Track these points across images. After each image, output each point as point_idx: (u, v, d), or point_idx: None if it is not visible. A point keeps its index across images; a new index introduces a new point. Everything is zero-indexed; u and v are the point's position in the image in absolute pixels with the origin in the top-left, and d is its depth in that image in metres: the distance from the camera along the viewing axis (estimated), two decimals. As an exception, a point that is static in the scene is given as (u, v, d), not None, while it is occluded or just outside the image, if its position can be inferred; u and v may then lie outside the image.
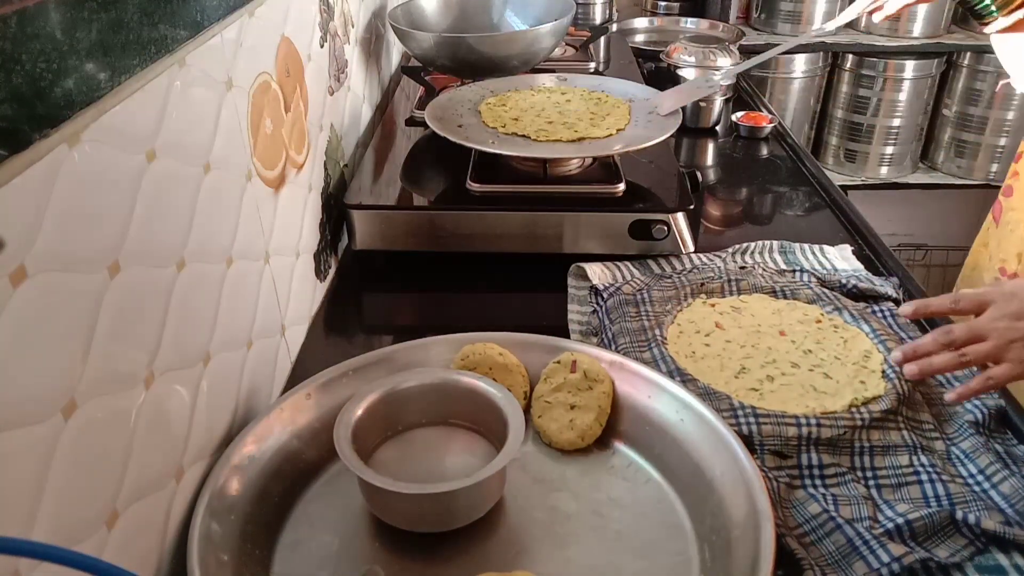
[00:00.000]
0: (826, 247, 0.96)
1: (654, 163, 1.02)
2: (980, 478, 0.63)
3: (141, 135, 0.50)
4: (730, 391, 0.69)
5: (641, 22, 2.03)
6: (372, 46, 1.24)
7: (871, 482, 0.63)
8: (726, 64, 1.38)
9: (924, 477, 0.62)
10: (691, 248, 0.94)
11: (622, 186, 0.95)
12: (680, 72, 1.41)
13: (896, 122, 2.23)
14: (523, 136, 0.97)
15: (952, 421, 0.69)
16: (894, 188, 2.30)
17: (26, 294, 0.39)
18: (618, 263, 0.93)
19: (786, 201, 1.17)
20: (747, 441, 0.62)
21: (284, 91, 0.78)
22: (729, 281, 0.85)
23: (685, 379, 0.70)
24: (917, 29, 2.16)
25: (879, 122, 2.23)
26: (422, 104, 1.17)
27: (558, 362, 0.70)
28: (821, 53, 2.18)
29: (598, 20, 1.95)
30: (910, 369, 0.68)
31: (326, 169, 0.94)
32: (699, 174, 1.03)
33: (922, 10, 2.13)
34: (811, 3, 2.15)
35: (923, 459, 0.64)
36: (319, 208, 0.90)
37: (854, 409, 0.67)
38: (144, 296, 0.51)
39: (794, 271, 0.90)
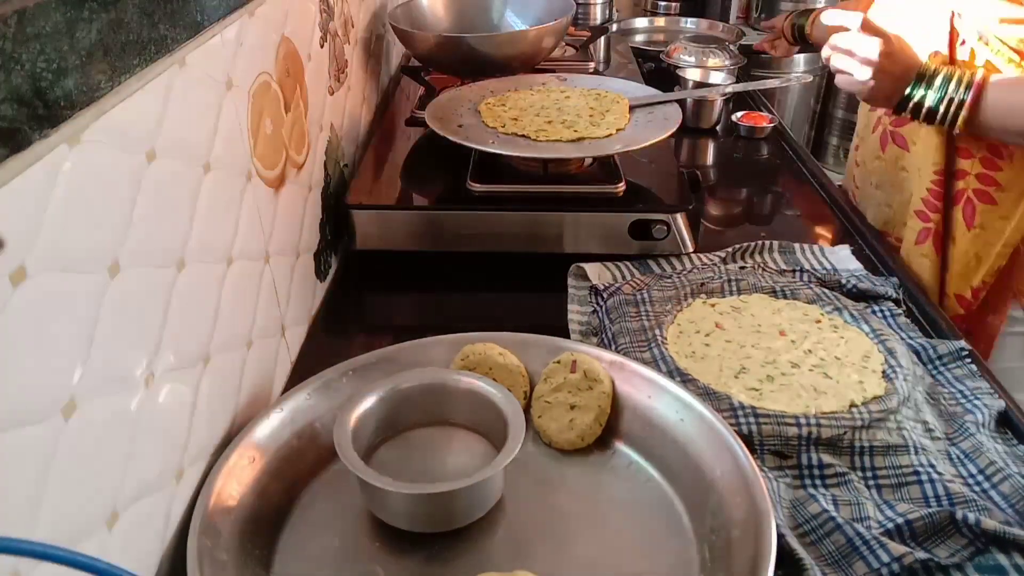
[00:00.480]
0: (826, 247, 0.96)
1: (654, 163, 1.02)
2: (980, 478, 0.63)
3: (141, 135, 0.50)
4: (730, 391, 0.69)
5: (641, 22, 2.03)
6: (372, 46, 1.24)
7: (871, 482, 0.63)
8: (726, 64, 1.38)
9: (924, 477, 0.62)
10: (691, 248, 0.94)
11: (622, 186, 0.95)
12: (680, 72, 1.41)
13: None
14: (523, 136, 0.97)
15: (952, 421, 0.69)
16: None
17: (26, 294, 0.39)
18: (618, 263, 0.93)
19: (786, 201, 1.17)
20: (747, 441, 0.62)
21: (284, 91, 0.78)
22: (729, 281, 0.85)
23: (685, 379, 0.70)
24: (917, 29, 2.16)
25: (879, 122, 2.23)
26: (422, 104, 1.17)
27: (558, 362, 0.70)
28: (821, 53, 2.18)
29: (598, 20, 1.96)
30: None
31: (326, 169, 0.94)
32: (699, 174, 1.03)
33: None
34: (811, 3, 2.15)
35: (923, 459, 0.64)
36: (319, 208, 0.90)
37: (854, 409, 0.67)
38: (144, 296, 0.51)
39: (794, 271, 0.90)
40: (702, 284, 0.85)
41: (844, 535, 0.57)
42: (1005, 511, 0.60)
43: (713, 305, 0.82)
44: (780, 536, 0.55)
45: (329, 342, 0.86)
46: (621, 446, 0.66)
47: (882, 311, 0.83)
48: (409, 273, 0.97)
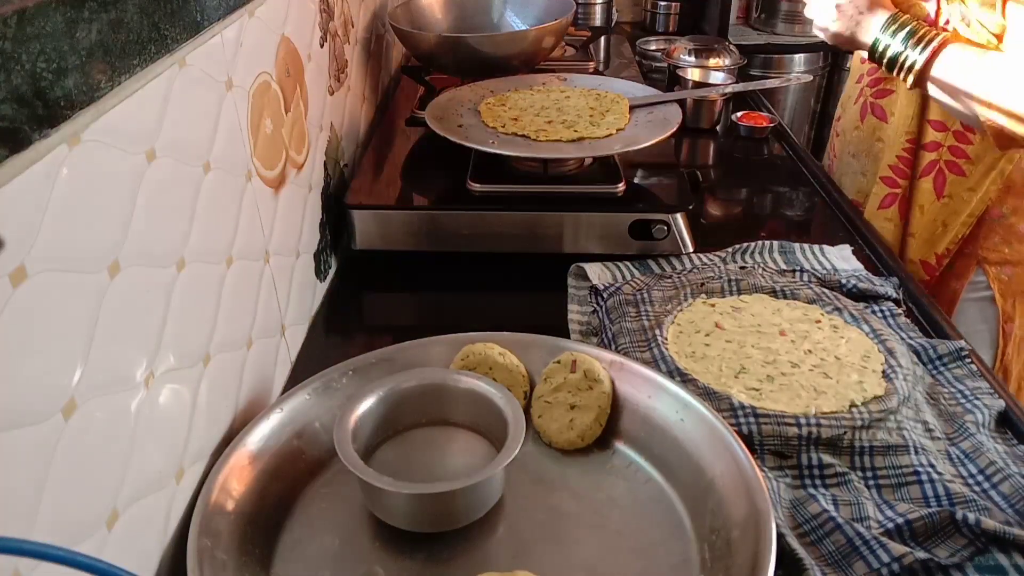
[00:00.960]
0: (826, 247, 0.96)
1: (654, 163, 1.02)
2: (980, 478, 0.63)
3: (141, 135, 0.50)
4: (730, 391, 0.69)
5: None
6: (372, 46, 1.24)
7: (871, 482, 0.63)
8: (726, 64, 1.38)
9: (924, 477, 0.62)
10: (691, 248, 0.94)
11: (622, 186, 0.95)
12: (680, 72, 1.41)
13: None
14: (523, 136, 0.97)
15: (952, 421, 0.69)
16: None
17: (26, 294, 0.39)
18: (618, 263, 0.93)
19: (786, 201, 1.17)
20: (747, 441, 0.62)
21: (284, 91, 0.78)
22: (729, 281, 0.85)
23: (685, 379, 0.70)
24: (917, 29, 2.16)
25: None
26: (422, 104, 1.18)
27: (558, 362, 0.70)
28: (821, 53, 2.18)
29: (598, 20, 1.96)
30: None
31: (326, 169, 0.94)
32: (699, 174, 1.03)
33: (922, 10, 2.13)
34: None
35: (923, 459, 0.64)
36: (319, 208, 0.90)
37: (854, 409, 0.67)
38: (144, 296, 0.51)
39: (794, 271, 0.90)
40: (702, 284, 0.85)
41: (844, 535, 0.57)
42: (1005, 511, 0.60)
43: (713, 305, 0.82)
44: (780, 536, 0.55)
45: (329, 342, 0.86)
46: (621, 446, 0.66)
47: (882, 311, 0.83)
48: (409, 273, 0.97)
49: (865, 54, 1.00)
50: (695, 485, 0.60)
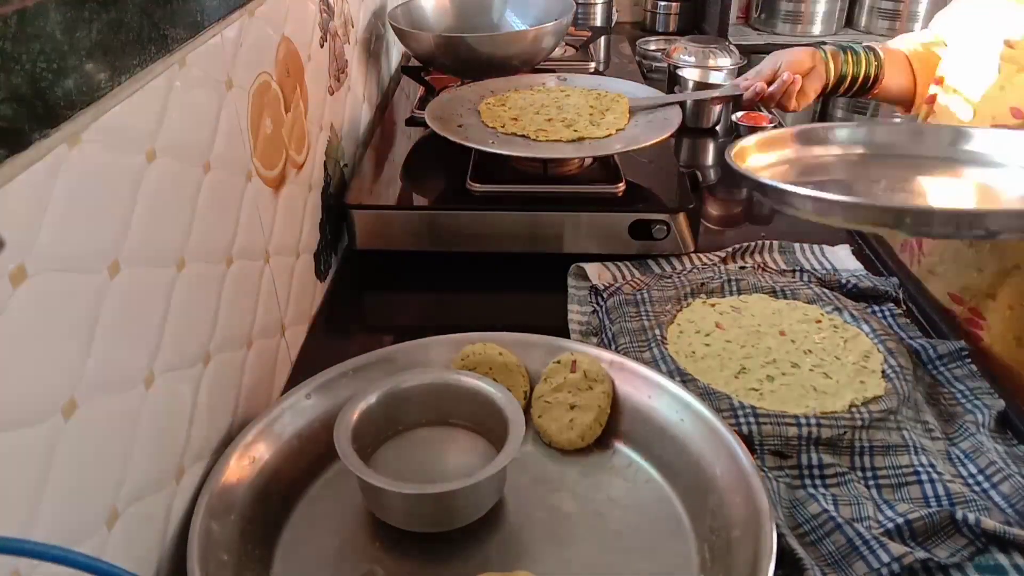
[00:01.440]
0: (826, 247, 0.96)
1: (654, 163, 1.02)
2: (980, 478, 0.63)
3: (141, 135, 0.50)
4: (730, 391, 0.69)
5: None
6: (372, 46, 1.24)
7: (871, 482, 0.63)
8: (726, 64, 1.38)
9: (924, 477, 0.62)
10: (691, 248, 0.94)
11: (622, 186, 0.95)
12: (680, 72, 1.41)
13: (896, 121, 2.23)
14: (523, 136, 0.97)
15: (952, 421, 0.69)
16: (894, 188, 2.30)
17: (26, 294, 0.39)
18: (618, 263, 0.93)
19: (786, 201, 1.16)
20: (747, 441, 0.62)
21: (284, 91, 0.78)
22: (729, 281, 0.85)
23: (685, 379, 0.70)
24: (917, 29, 2.16)
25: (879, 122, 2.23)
26: (422, 104, 1.18)
27: (558, 362, 0.70)
28: (821, 53, 2.18)
29: (598, 20, 1.96)
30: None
31: (326, 169, 0.94)
32: (699, 174, 1.03)
33: (922, 10, 2.13)
34: (811, 3, 2.15)
35: (923, 459, 0.64)
36: (319, 208, 0.90)
37: (854, 409, 0.67)
38: (144, 296, 0.51)
39: (794, 271, 0.90)
40: (702, 284, 0.85)
41: (844, 535, 0.57)
42: (1005, 511, 0.60)
43: (713, 305, 0.82)
44: (780, 536, 0.55)
45: (329, 342, 0.86)
46: (621, 446, 0.66)
47: (882, 311, 0.83)
48: (409, 273, 0.97)
49: None
50: (695, 485, 0.60)
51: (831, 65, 1.09)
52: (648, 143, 0.92)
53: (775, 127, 1.34)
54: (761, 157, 0.86)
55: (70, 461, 0.42)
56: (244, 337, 0.67)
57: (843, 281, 0.87)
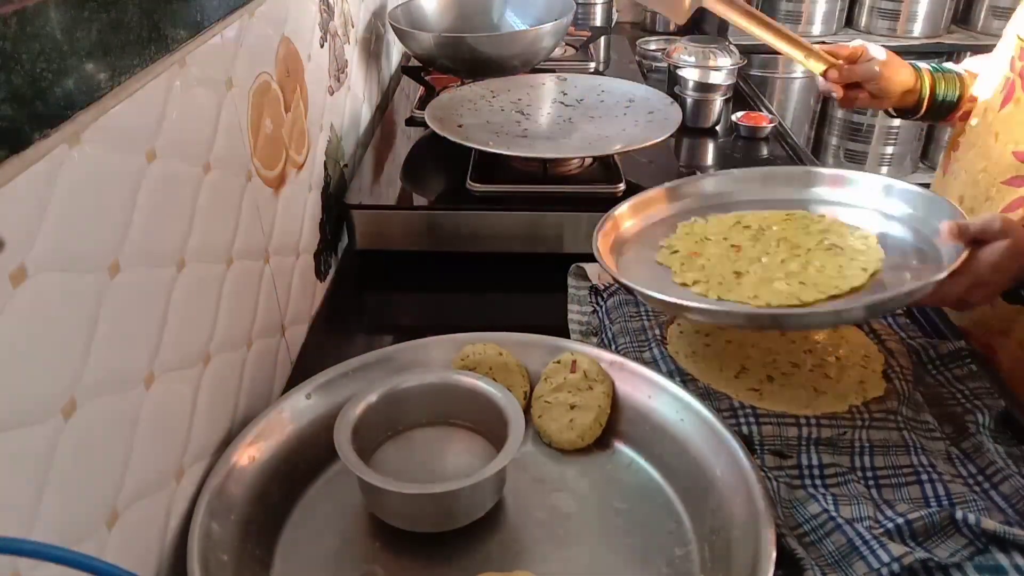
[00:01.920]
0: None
1: (654, 163, 1.02)
2: (980, 478, 0.63)
3: (141, 135, 0.50)
4: (730, 391, 0.69)
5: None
6: (372, 46, 1.24)
7: (871, 482, 0.63)
8: (726, 64, 1.38)
9: (924, 477, 0.62)
10: (691, 248, 0.94)
11: (622, 186, 0.95)
12: (680, 72, 1.41)
13: (896, 122, 2.23)
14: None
15: (952, 421, 0.69)
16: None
17: (26, 294, 0.39)
18: (618, 263, 0.93)
19: (786, 201, 1.16)
20: (747, 441, 0.62)
21: (284, 91, 0.78)
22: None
23: (685, 379, 0.70)
24: (917, 29, 2.16)
25: (879, 122, 2.23)
26: (422, 104, 1.18)
27: (558, 362, 0.70)
28: (821, 53, 2.18)
29: (598, 20, 1.96)
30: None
31: (326, 169, 0.94)
32: (699, 174, 1.03)
33: (922, 10, 2.13)
34: (811, 3, 2.15)
35: (923, 459, 0.64)
36: (319, 208, 0.90)
37: (854, 408, 0.67)
38: (144, 296, 0.51)
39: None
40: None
41: (844, 535, 0.57)
42: (1005, 511, 0.60)
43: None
44: (780, 536, 0.55)
45: (329, 342, 0.86)
46: (621, 446, 0.66)
47: (882, 311, 0.83)
48: (409, 273, 0.97)
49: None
50: (695, 485, 0.60)
51: (924, 77, 0.92)
52: (648, 143, 0.92)
53: (774, 127, 1.34)
54: (633, 224, 0.82)
55: (70, 461, 0.42)
56: (244, 337, 0.67)
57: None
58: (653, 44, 1.74)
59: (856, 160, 2.30)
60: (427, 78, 1.24)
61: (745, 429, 0.65)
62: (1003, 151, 0.81)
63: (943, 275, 0.62)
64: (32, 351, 0.40)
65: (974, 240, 0.65)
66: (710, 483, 0.59)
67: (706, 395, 0.68)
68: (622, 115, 1.05)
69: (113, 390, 0.47)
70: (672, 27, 2.12)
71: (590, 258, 0.92)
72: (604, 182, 0.96)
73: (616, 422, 0.67)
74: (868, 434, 0.65)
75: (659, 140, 0.93)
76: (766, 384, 0.71)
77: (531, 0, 1.33)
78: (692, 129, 1.36)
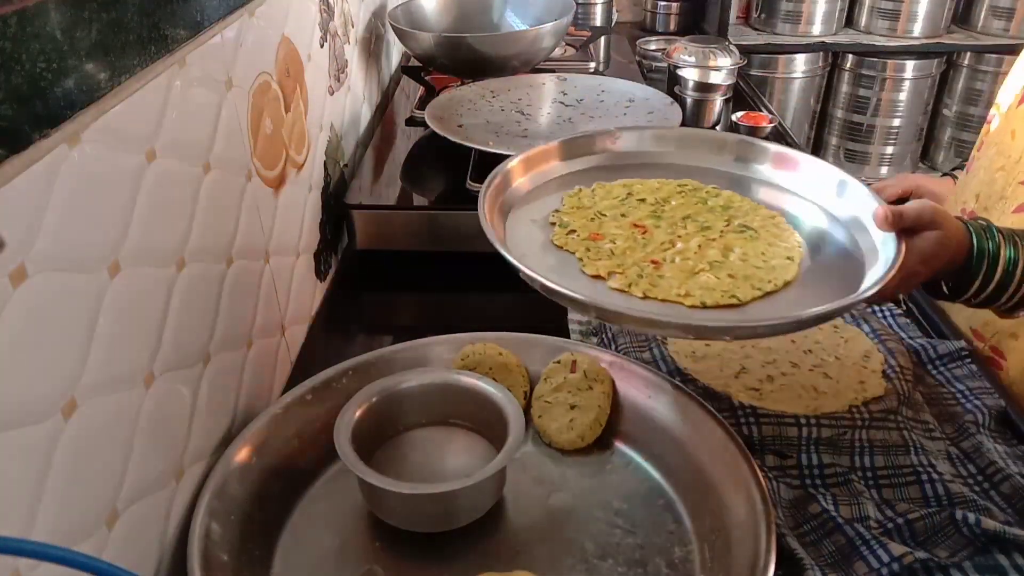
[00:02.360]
0: None
1: (654, 163, 1.02)
2: (980, 478, 0.63)
3: (141, 135, 0.50)
4: (730, 391, 0.69)
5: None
6: (372, 46, 1.24)
7: (871, 482, 0.63)
8: (726, 64, 1.38)
9: (924, 477, 0.62)
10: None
11: (622, 186, 0.95)
12: (680, 72, 1.41)
13: (896, 122, 2.23)
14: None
15: (952, 421, 0.69)
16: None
17: (26, 294, 0.39)
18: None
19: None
20: (747, 441, 0.62)
21: (284, 91, 0.78)
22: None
23: (685, 379, 0.70)
24: (917, 29, 2.16)
25: (879, 122, 2.23)
26: (422, 104, 1.18)
27: (558, 362, 0.70)
28: (821, 53, 2.18)
29: (598, 20, 1.96)
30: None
31: (326, 169, 0.94)
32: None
33: (922, 10, 2.13)
34: (811, 3, 2.15)
35: (923, 459, 0.64)
36: (319, 208, 0.90)
37: (854, 408, 0.67)
38: (144, 296, 0.51)
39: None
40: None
41: (844, 535, 0.57)
42: (1005, 511, 0.60)
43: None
44: (780, 536, 0.55)
45: (329, 342, 0.86)
46: (621, 446, 0.66)
47: (882, 311, 0.83)
48: (409, 273, 0.97)
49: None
50: (695, 485, 0.60)
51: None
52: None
53: (774, 127, 1.34)
54: (525, 181, 0.75)
55: (70, 461, 0.42)
56: (244, 337, 0.67)
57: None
58: (653, 44, 1.74)
59: (856, 160, 2.30)
60: (427, 78, 1.24)
61: (745, 429, 0.65)
62: (1021, 150, 0.81)
63: (890, 274, 0.58)
64: (32, 351, 0.40)
65: (906, 229, 0.63)
66: (710, 483, 0.59)
67: (706, 395, 0.68)
68: (622, 115, 1.05)
69: (113, 390, 0.47)
70: (672, 27, 2.13)
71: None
72: (604, 182, 0.96)
73: (616, 422, 0.67)
74: (868, 434, 0.65)
75: (659, 140, 0.92)
76: (766, 384, 0.71)
77: (531, 0, 1.33)
78: (692, 129, 1.36)
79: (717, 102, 1.36)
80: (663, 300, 0.60)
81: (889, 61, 2.14)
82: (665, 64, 1.45)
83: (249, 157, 0.68)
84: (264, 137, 0.72)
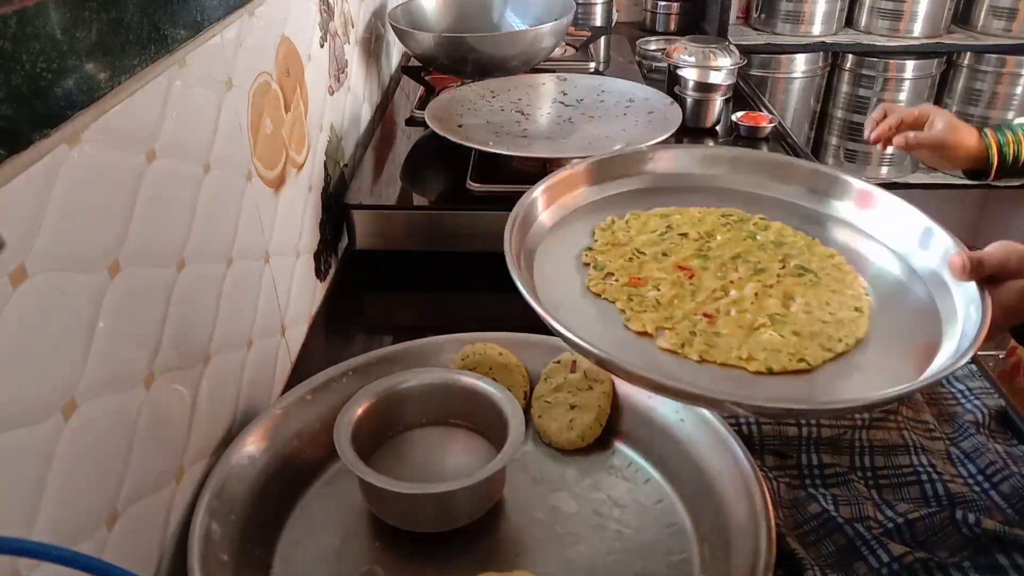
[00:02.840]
0: None
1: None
2: (980, 478, 0.63)
3: (141, 135, 0.50)
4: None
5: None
6: (372, 46, 1.24)
7: (871, 482, 0.63)
8: (726, 64, 1.38)
9: (924, 477, 0.62)
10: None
11: (622, 186, 0.95)
12: (680, 72, 1.41)
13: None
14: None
15: (952, 421, 0.69)
16: (894, 188, 2.29)
17: (26, 294, 0.39)
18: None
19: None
20: (747, 441, 0.62)
21: (284, 91, 0.78)
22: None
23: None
24: (917, 29, 2.16)
25: (879, 122, 2.23)
26: (422, 104, 1.18)
27: (558, 362, 0.70)
28: (821, 53, 2.18)
29: (598, 20, 1.96)
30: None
31: (326, 169, 0.94)
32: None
33: (922, 10, 2.13)
34: (811, 3, 2.15)
35: (923, 459, 0.64)
36: (319, 208, 0.90)
37: (856, 416, 0.64)
38: (144, 296, 0.51)
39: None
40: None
41: (844, 535, 0.57)
42: (1005, 511, 0.60)
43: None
44: (780, 536, 0.55)
45: (329, 342, 0.86)
46: (621, 446, 0.66)
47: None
48: (409, 273, 0.97)
49: None
50: (695, 485, 0.60)
51: (990, 142, 0.91)
52: (648, 143, 0.92)
53: (774, 127, 1.34)
54: (549, 213, 0.67)
55: (70, 461, 0.42)
56: (244, 337, 0.67)
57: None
58: (653, 44, 1.74)
59: (856, 160, 2.30)
60: (427, 78, 1.24)
61: (745, 429, 0.65)
62: None
63: (975, 344, 0.51)
64: (32, 351, 0.40)
65: (988, 278, 0.56)
66: (710, 483, 0.59)
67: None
68: (622, 115, 1.05)
69: (113, 390, 0.47)
70: (672, 27, 2.12)
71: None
72: (604, 182, 0.96)
73: (616, 422, 0.67)
74: (868, 434, 0.65)
75: (659, 140, 0.93)
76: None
77: (531, 0, 1.33)
78: (692, 129, 1.36)
79: (717, 102, 1.36)
80: (723, 364, 0.52)
81: (889, 61, 2.14)
82: (665, 64, 1.45)
83: (249, 157, 0.68)
84: (264, 137, 0.72)
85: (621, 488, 0.63)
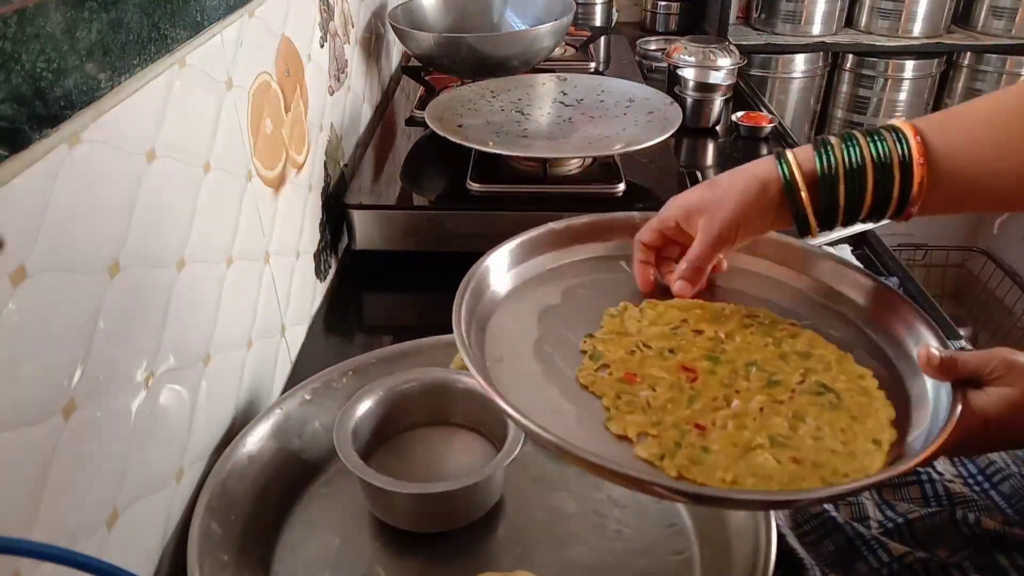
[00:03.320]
0: (825, 247, 0.96)
1: (654, 163, 1.02)
2: (980, 478, 0.63)
3: (141, 135, 0.50)
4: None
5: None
6: (372, 46, 1.24)
7: (871, 482, 0.63)
8: (726, 64, 1.38)
9: (924, 477, 0.62)
10: (691, 248, 0.94)
11: (622, 186, 0.95)
12: (680, 72, 1.41)
13: (896, 124, 2.23)
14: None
15: (952, 421, 0.69)
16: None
17: (26, 294, 0.39)
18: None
19: (786, 201, 1.16)
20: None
21: (284, 91, 0.78)
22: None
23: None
24: (917, 29, 2.16)
25: (879, 122, 2.22)
26: (422, 104, 1.17)
27: (558, 362, 0.70)
28: (821, 53, 2.18)
29: (598, 20, 1.96)
30: None
31: (326, 169, 0.94)
32: (699, 174, 1.03)
33: (922, 10, 2.13)
34: (811, 3, 2.15)
35: (923, 459, 0.63)
36: (319, 208, 0.90)
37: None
38: (144, 296, 0.51)
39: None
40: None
41: (844, 535, 0.57)
42: (1005, 511, 0.60)
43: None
44: (780, 536, 0.55)
45: (329, 342, 0.86)
46: (621, 446, 0.66)
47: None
48: (409, 273, 0.97)
49: None
50: (695, 485, 0.60)
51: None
52: (648, 143, 0.92)
53: (774, 127, 1.34)
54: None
55: (70, 461, 0.42)
56: (244, 337, 0.67)
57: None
58: (653, 44, 1.74)
59: (856, 160, 2.30)
60: (427, 78, 1.24)
61: (745, 429, 0.65)
62: None
63: (936, 442, 0.44)
64: (32, 351, 0.40)
65: (964, 381, 0.48)
66: (710, 483, 0.59)
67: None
68: (622, 115, 1.05)
69: (113, 390, 0.47)
70: (672, 27, 2.13)
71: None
72: (604, 182, 0.96)
73: (616, 422, 0.67)
74: (868, 434, 0.65)
75: (659, 140, 0.93)
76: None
77: (531, 0, 1.33)
78: (692, 129, 1.36)
79: (717, 102, 1.36)
80: (701, 484, 0.44)
81: (889, 61, 2.14)
82: (665, 64, 1.45)
83: (249, 157, 0.68)
84: (264, 137, 0.72)
85: (621, 488, 0.63)
